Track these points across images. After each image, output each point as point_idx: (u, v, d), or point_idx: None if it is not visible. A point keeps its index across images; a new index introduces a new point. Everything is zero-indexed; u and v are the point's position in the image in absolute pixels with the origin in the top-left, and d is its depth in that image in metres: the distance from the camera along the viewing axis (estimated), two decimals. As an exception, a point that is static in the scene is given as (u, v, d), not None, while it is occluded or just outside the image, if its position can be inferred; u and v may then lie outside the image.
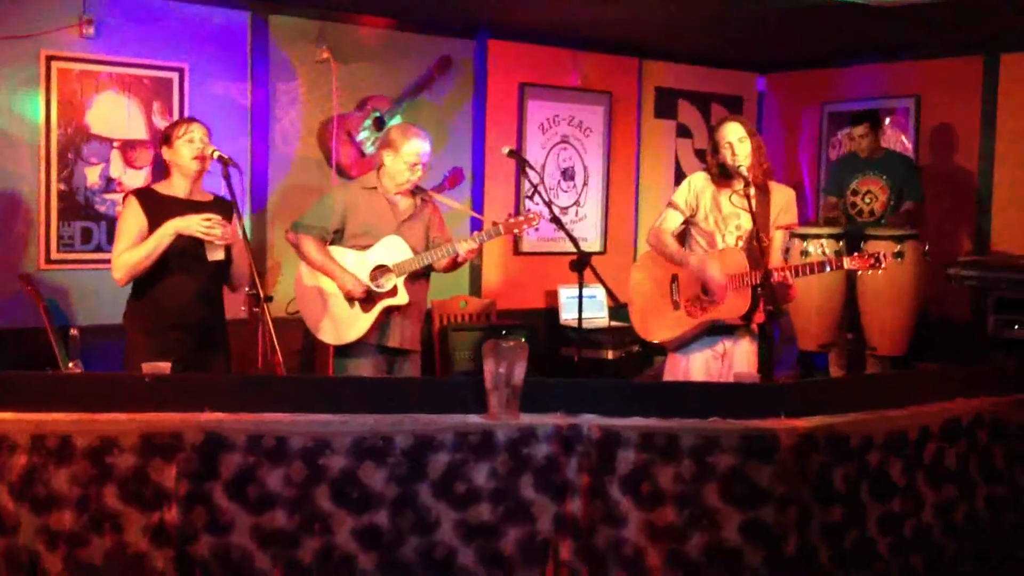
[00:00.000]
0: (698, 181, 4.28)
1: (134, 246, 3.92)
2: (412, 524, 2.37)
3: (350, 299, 4.37)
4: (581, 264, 4.14)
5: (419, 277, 4.49)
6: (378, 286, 4.36)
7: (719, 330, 4.20)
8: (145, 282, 4.00)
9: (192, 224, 3.89)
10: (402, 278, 4.36)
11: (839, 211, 6.60)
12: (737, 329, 4.21)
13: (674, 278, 4.29)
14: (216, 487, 2.34)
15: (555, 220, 4.33)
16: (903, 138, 7.13)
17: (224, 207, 4.04)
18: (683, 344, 4.27)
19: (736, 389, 2.79)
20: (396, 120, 6.07)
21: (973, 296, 6.37)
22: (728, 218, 4.20)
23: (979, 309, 6.25)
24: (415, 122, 5.96)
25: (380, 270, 4.39)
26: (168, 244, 3.90)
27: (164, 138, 4.07)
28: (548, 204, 4.43)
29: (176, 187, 4.05)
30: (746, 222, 4.14)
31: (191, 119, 4.14)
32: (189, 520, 2.32)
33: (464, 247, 4.34)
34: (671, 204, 4.31)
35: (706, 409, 2.49)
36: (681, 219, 4.29)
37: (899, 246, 6.00)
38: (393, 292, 4.37)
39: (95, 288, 5.24)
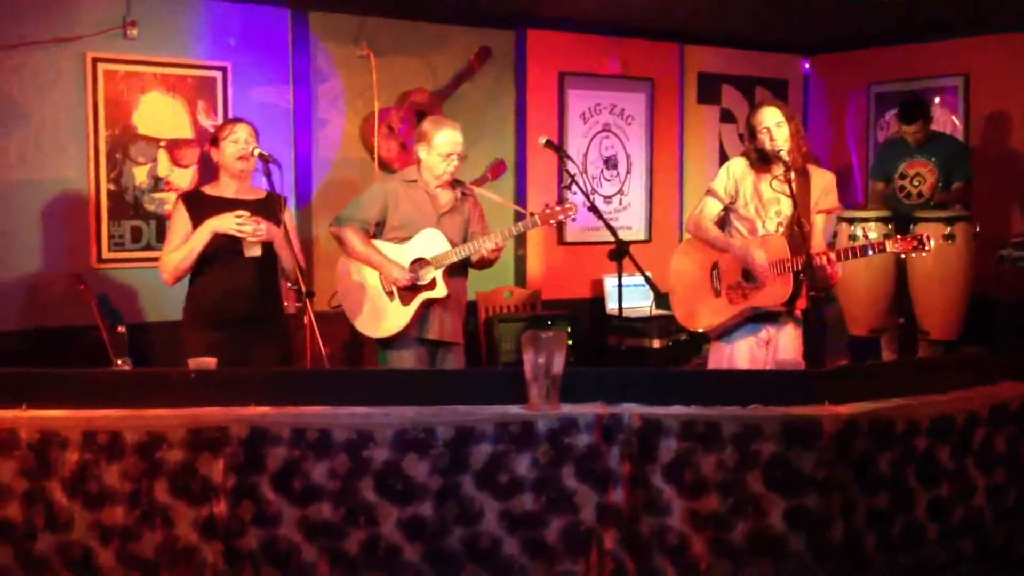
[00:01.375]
0: (737, 167, 4.24)
1: (178, 247, 4.03)
2: (456, 515, 2.39)
3: (391, 291, 4.40)
4: (620, 253, 4.13)
5: (457, 270, 4.50)
6: (418, 279, 4.39)
7: (763, 317, 4.16)
8: (194, 281, 4.14)
9: (225, 222, 4.00)
10: (440, 271, 4.39)
11: (885, 197, 6.51)
12: (781, 315, 4.16)
13: (714, 265, 4.26)
14: (262, 480, 2.37)
15: (593, 209, 4.32)
16: (953, 118, 7.00)
17: (271, 204, 4.12)
18: (726, 332, 4.24)
19: (777, 376, 2.78)
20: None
21: (1026, 277, 6.25)
22: (768, 204, 4.16)
23: (1033, 290, 6.14)
24: (456, 113, 5.99)
25: (419, 263, 4.42)
26: (206, 243, 4.00)
27: (212, 139, 4.19)
28: (587, 194, 4.42)
29: (224, 187, 4.16)
30: (786, 207, 4.10)
31: (237, 119, 4.23)
32: (237, 513, 2.37)
33: (487, 245, 4.34)
34: (710, 191, 4.28)
35: (747, 397, 2.48)
36: (721, 206, 4.25)
37: (949, 228, 5.89)
38: (432, 285, 4.39)
39: (146, 286, 5.32)
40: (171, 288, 4.20)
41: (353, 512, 2.38)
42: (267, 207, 4.11)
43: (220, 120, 5.47)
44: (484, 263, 4.50)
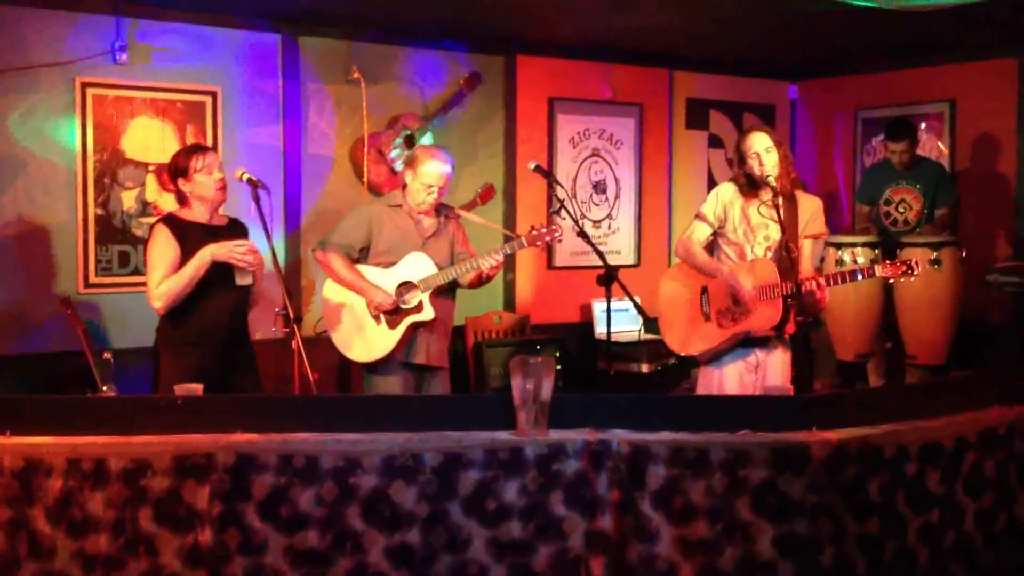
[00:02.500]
0: (726, 192, 4.25)
1: (171, 274, 3.98)
2: (444, 542, 2.37)
3: (377, 315, 4.40)
4: (608, 278, 4.14)
5: (444, 294, 4.51)
6: (404, 302, 4.39)
7: (752, 342, 4.17)
8: (178, 306, 4.05)
9: (223, 251, 3.98)
10: (427, 294, 4.39)
11: (871, 221, 6.54)
12: (770, 340, 4.17)
13: (704, 290, 4.26)
14: (248, 508, 2.35)
15: (582, 234, 4.33)
16: (939, 143, 7.05)
17: (239, 229, 4.13)
18: (716, 357, 4.24)
19: (766, 402, 2.77)
20: (427, 138, 6.10)
21: (1013, 302, 6.27)
22: (756, 229, 4.17)
23: (1020, 315, 6.15)
24: (446, 138, 6.01)
25: (405, 286, 4.42)
26: (206, 270, 3.97)
27: (180, 171, 4.05)
28: (576, 219, 4.43)
29: (198, 213, 4.12)
30: (774, 232, 4.11)
31: (204, 149, 4.14)
32: (222, 541, 2.34)
33: (487, 263, 4.36)
34: (699, 216, 4.29)
35: (736, 422, 2.48)
36: (710, 231, 4.27)
37: (936, 253, 5.92)
38: (419, 308, 4.39)
39: (133, 311, 5.30)
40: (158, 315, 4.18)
41: (340, 540, 2.36)
42: (235, 232, 4.13)
43: (209, 144, 5.47)
44: (480, 281, 4.50)
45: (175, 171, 4.08)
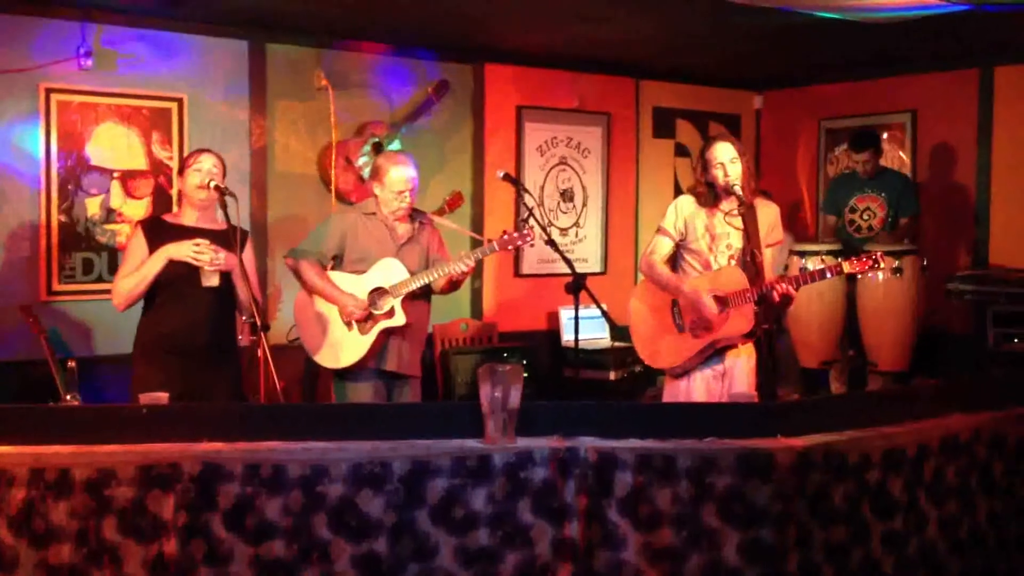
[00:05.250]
0: (684, 205, 4.27)
1: (131, 273, 3.97)
2: (411, 551, 2.37)
3: (349, 321, 4.39)
4: (576, 286, 4.15)
5: (418, 299, 4.50)
6: (376, 308, 4.38)
7: (718, 350, 4.19)
8: (147, 309, 4.07)
9: (182, 250, 3.95)
10: (399, 299, 4.38)
11: (835, 232, 6.62)
12: (736, 348, 4.19)
13: (674, 302, 4.27)
14: (214, 518, 2.34)
15: (550, 242, 4.34)
16: (900, 153, 7.14)
17: (233, 236, 4.09)
18: (687, 368, 4.25)
19: (732, 409, 2.79)
20: (395, 145, 6.09)
21: (972, 310, 6.36)
22: (719, 238, 4.20)
23: (979, 323, 6.25)
24: (414, 145, 6.00)
25: (377, 292, 4.41)
26: (160, 269, 3.95)
27: (180, 169, 4.19)
28: (544, 227, 4.44)
29: (185, 216, 4.13)
30: (736, 241, 4.14)
31: (204, 150, 4.19)
32: (188, 552, 2.32)
33: (458, 267, 4.36)
34: (660, 230, 4.29)
35: (703, 429, 2.50)
36: (672, 244, 4.27)
37: (897, 261, 6.00)
38: (391, 313, 4.38)
39: (97, 319, 5.26)
40: (124, 321, 4.14)
41: (307, 550, 2.35)
42: (227, 239, 4.07)
43: (175, 151, 5.44)
44: (452, 286, 4.50)
45: (180, 169, 4.19)
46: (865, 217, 6.51)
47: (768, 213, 4.24)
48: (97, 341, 5.30)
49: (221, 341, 4.15)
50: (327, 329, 4.43)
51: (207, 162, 4.08)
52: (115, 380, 5.06)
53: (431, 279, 4.41)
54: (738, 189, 4.07)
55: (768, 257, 4.24)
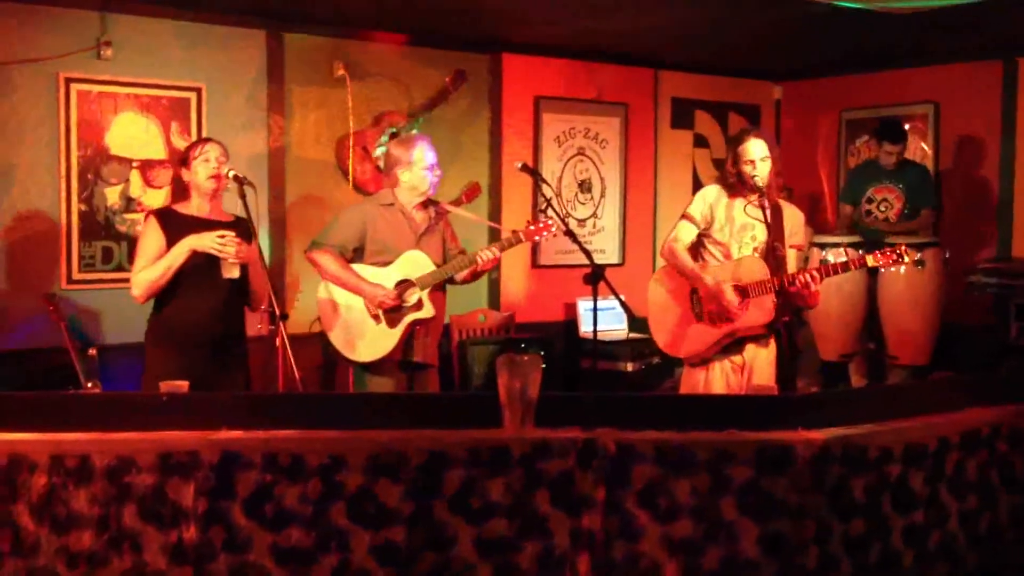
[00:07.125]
0: (712, 193, 4.26)
1: (152, 264, 3.97)
2: (429, 540, 2.37)
3: (376, 314, 4.37)
4: (595, 277, 4.14)
5: (436, 289, 4.50)
6: (403, 300, 4.37)
7: (738, 341, 4.18)
8: (163, 300, 4.07)
9: (206, 241, 3.95)
10: (426, 291, 4.38)
11: (852, 221, 6.58)
12: (756, 340, 4.18)
13: (694, 290, 4.26)
14: (233, 505, 2.34)
15: (568, 233, 4.33)
16: (923, 145, 7.09)
17: (243, 227, 4.08)
18: (703, 359, 4.24)
19: (751, 401, 2.78)
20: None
21: (995, 303, 6.31)
22: (743, 229, 4.18)
23: (1002, 316, 6.19)
24: (431, 135, 5.98)
25: (403, 285, 4.39)
26: (183, 261, 3.95)
27: (182, 160, 4.16)
28: (562, 218, 4.43)
29: (195, 207, 4.12)
30: (761, 233, 4.12)
31: (207, 139, 4.21)
32: (207, 539, 2.33)
33: (485, 256, 4.36)
34: (686, 216, 4.28)
35: (722, 421, 2.48)
36: (696, 231, 4.27)
37: (919, 254, 5.94)
38: (419, 306, 4.38)
39: (117, 307, 5.28)
40: (143, 310, 4.15)
41: (325, 537, 2.35)
42: (238, 229, 4.09)
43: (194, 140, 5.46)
44: (474, 277, 4.51)
45: (181, 161, 4.17)
46: (882, 208, 6.47)
47: (793, 214, 4.23)
48: (117, 329, 5.33)
49: (234, 331, 4.18)
50: (354, 322, 4.41)
51: (213, 151, 4.08)
52: (134, 368, 5.09)
53: (455, 271, 4.40)
54: (763, 187, 4.05)
55: (791, 257, 4.21)
